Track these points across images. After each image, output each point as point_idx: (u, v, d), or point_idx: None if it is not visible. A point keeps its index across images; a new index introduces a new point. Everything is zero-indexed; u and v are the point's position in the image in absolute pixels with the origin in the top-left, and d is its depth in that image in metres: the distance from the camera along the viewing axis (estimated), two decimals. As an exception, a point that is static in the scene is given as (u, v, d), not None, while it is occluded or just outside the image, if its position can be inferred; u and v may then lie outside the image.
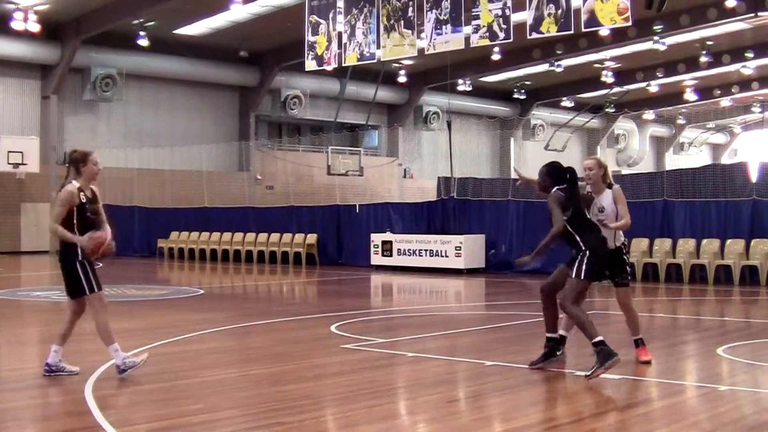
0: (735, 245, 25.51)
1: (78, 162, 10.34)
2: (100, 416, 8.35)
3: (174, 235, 39.62)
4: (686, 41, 39.79)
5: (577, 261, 10.85)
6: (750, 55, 41.91)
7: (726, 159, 66.60)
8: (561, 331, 11.39)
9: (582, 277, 10.80)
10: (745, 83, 50.80)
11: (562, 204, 10.80)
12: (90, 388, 9.56)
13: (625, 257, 11.47)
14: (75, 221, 10.20)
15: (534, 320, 16.49)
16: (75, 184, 10.20)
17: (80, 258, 10.17)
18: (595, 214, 11.30)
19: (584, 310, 11.03)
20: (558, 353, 11.20)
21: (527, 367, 10.95)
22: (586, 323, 10.59)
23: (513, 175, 11.53)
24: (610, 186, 11.56)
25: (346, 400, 9.39)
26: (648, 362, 11.30)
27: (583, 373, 10.38)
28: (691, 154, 67.71)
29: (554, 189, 10.99)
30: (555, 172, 11.21)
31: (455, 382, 10.80)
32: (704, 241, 26.09)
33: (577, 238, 10.86)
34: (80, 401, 9.03)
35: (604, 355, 10.27)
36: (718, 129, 68.06)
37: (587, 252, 10.74)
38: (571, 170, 11.19)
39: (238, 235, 37.72)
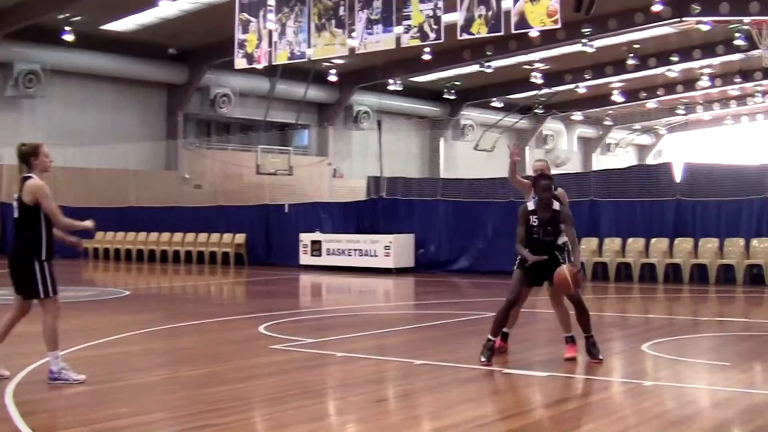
0: (659, 244, 25.96)
1: (29, 155, 10.03)
2: (21, 422, 8.16)
3: (100, 235, 39.13)
4: (614, 44, 40.08)
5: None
6: (675, 58, 42.39)
7: (651, 160, 67.26)
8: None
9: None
10: (670, 86, 51.42)
11: None
12: (11, 393, 9.35)
13: (563, 256, 11.65)
14: (42, 217, 9.98)
15: (462, 319, 16.58)
16: (37, 178, 9.94)
17: (42, 259, 9.99)
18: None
19: None
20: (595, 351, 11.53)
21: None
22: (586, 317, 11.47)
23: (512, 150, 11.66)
24: (555, 188, 11.90)
25: (275, 401, 9.34)
26: (573, 359, 11.48)
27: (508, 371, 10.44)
28: (618, 154, 68.37)
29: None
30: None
31: (384, 382, 10.81)
32: (630, 240, 26.47)
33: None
34: None
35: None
36: (643, 130, 68.75)
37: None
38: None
39: (166, 235, 37.46)
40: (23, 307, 10.20)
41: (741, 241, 24.96)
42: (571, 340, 11.64)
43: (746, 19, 32.95)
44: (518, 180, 12.11)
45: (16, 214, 9.99)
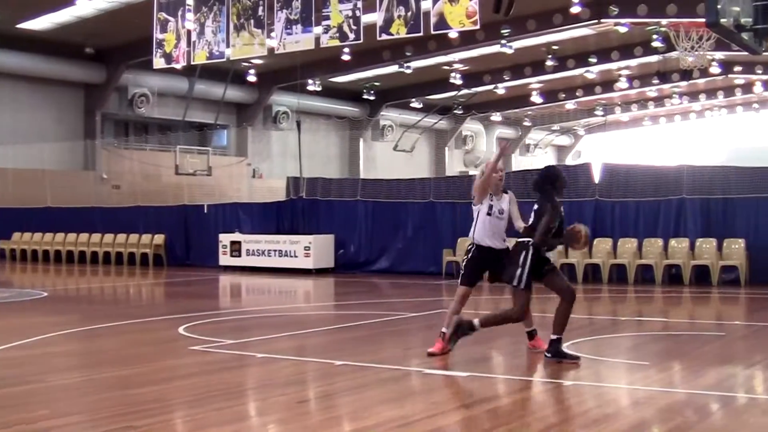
0: (578, 245, 26.07)
1: None
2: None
3: (16, 236, 38.76)
4: (532, 45, 40.34)
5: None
6: (593, 60, 42.74)
7: (570, 160, 67.85)
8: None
9: None
10: (588, 87, 51.87)
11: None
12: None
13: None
14: None
15: (382, 319, 16.63)
16: None
17: None
18: (495, 215, 11.96)
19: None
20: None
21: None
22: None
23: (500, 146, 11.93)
24: (505, 191, 12.19)
25: (195, 402, 9.31)
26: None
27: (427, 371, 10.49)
28: (537, 155, 68.79)
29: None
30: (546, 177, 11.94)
31: (305, 383, 10.80)
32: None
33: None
34: None
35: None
36: (562, 131, 69.32)
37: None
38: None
39: (84, 236, 37.08)
40: None
41: (659, 241, 25.22)
42: (536, 333, 12.31)
43: (664, 21, 33.32)
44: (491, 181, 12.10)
45: None
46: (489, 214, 11.96)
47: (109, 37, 39.85)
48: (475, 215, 12.12)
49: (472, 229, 12.14)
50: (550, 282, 11.82)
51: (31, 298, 21.62)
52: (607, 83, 50.10)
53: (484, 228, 12.00)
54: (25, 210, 39.05)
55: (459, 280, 12.31)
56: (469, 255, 12.15)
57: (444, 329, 11.91)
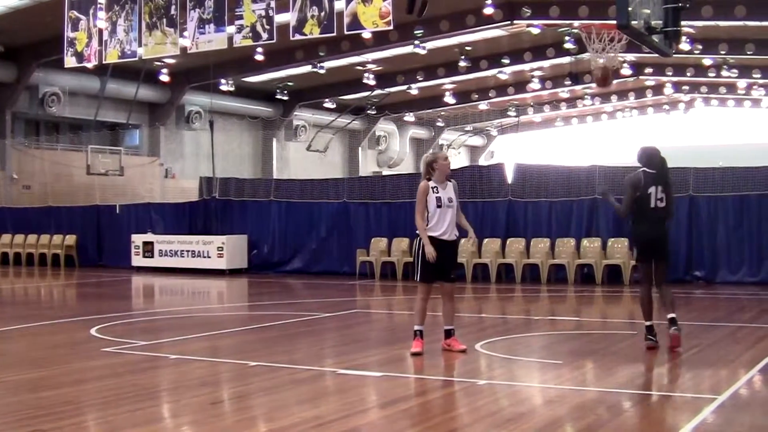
0: (492, 244, 26.28)
1: None
2: None
3: (-76, 236, 38.21)
4: (446, 46, 40.50)
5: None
6: (506, 61, 42.99)
7: (483, 161, 68.12)
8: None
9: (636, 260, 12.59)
10: (501, 88, 52.18)
11: (635, 186, 12.30)
12: None
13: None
14: None
15: (296, 320, 16.63)
16: None
17: None
18: (446, 204, 12.11)
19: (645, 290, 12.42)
20: (653, 340, 12.35)
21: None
22: (643, 305, 12.38)
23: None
24: (449, 179, 12.34)
25: (107, 404, 9.24)
26: (464, 351, 12.06)
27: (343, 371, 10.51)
28: (450, 155, 68.97)
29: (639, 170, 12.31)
30: (645, 155, 12.47)
31: (219, 384, 10.77)
32: (462, 241, 26.65)
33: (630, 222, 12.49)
34: None
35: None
36: (475, 132, 69.59)
37: (632, 237, 12.28)
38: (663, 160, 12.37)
39: (-7, 236, 36.66)
40: None
41: (572, 241, 25.45)
42: (453, 333, 12.29)
43: (576, 23, 33.64)
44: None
45: None
46: (439, 206, 11.98)
47: (20, 35, 39.29)
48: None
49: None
50: None
51: (-62, 300, 21.33)
52: (520, 84, 50.46)
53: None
54: (-67, 210, 38.51)
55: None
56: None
57: (449, 327, 12.20)
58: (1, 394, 9.96)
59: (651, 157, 12.30)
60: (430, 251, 11.94)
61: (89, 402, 9.48)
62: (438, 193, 12.00)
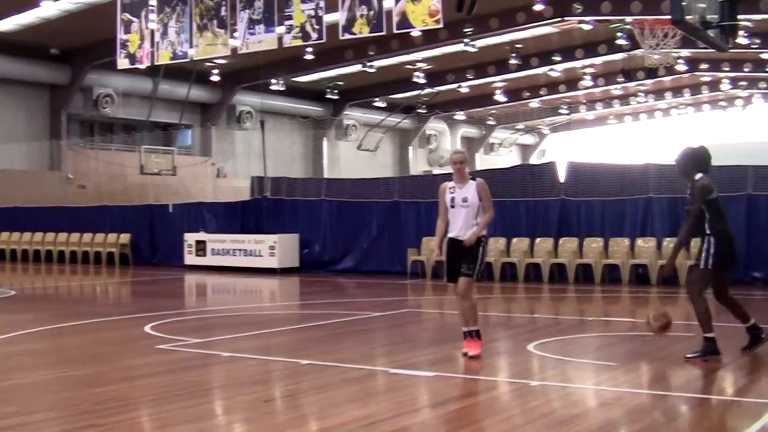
0: (544, 243, 26.02)
1: None
2: None
3: (-16, 235, 38.71)
4: (496, 44, 40.38)
5: (704, 250, 11.48)
6: (557, 58, 42.77)
7: (535, 159, 67.82)
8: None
9: (706, 266, 11.52)
10: (552, 85, 51.94)
11: (710, 190, 11.50)
12: None
13: (481, 249, 11.78)
14: None
15: (347, 319, 16.67)
16: None
17: None
18: (459, 204, 11.81)
19: (706, 300, 11.63)
20: (762, 335, 11.86)
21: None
22: (703, 316, 11.45)
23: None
24: (473, 178, 12.05)
25: (160, 401, 9.35)
26: (476, 357, 11.63)
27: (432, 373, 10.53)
28: (501, 154, 68.85)
29: (699, 175, 11.59)
30: (699, 158, 11.82)
31: (270, 382, 10.84)
32: (514, 240, 26.60)
33: (706, 225, 11.52)
34: None
35: (710, 349, 11.34)
36: (526, 130, 69.37)
37: (712, 239, 11.41)
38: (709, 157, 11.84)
39: (51, 235, 37.04)
40: None
41: (626, 241, 25.00)
42: (475, 335, 11.85)
43: (628, 19, 33.38)
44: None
45: None
46: (452, 206, 11.98)
47: (74, 38, 39.73)
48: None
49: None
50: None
51: (-3, 297, 21.60)
52: (572, 81, 50.25)
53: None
54: (-7, 210, 39.02)
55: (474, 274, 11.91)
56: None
57: (468, 328, 11.89)
58: (59, 389, 10.09)
59: (706, 159, 11.95)
60: (436, 252, 11.94)
61: (143, 398, 9.58)
62: (453, 193, 11.92)
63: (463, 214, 11.82)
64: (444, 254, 11.97)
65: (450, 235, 11.94)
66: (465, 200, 11.78)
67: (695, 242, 11.93)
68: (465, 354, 11.73)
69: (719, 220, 11.60)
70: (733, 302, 11.95)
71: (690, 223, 11.63)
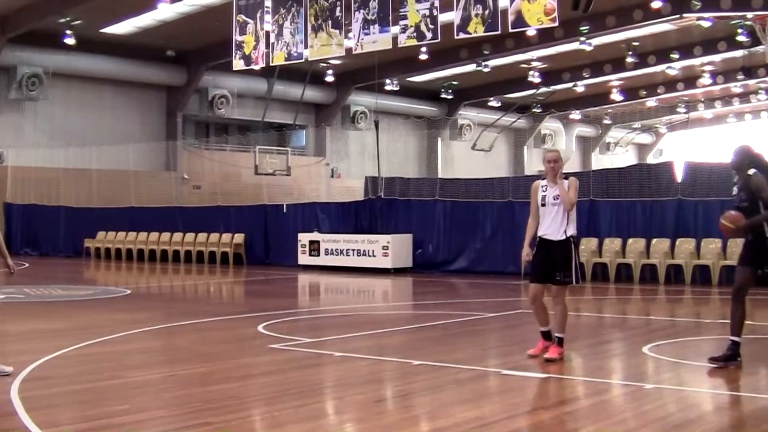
0: (660, 244, 25.71)
1: None
2: (26, 417, 8.25)
3: (101, 235, 39.29)
4: (612, 42, 40.04)
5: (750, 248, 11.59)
6: (675, 56, 42.20)
7: (651, 159, 67.01)
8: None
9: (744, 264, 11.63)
10: (670, 84, 51.24)
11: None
12: (16, 389, 9.46)
13: (573, 251, 11.64)
14: None
15: (460, 319, 16.61)
16: None
17: None
18: (550, 202, 11.73)
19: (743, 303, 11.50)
20: (739, 358, 11.18)
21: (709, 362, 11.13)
22: (736, 318, 11.28)
23: None
24: (566, 177, 11.93)
25: (273, 399, 9.39)
26: (551, 360, 11.42)
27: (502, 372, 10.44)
28: (617, 153, 68.19)
29: (752, 171, 11.35)
30: (751, 154, 11.64)
31: (382, 382, 10.83)
32: (630, 241, 26.31)
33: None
34: (6, 402, 8.92)
35: (732, 355, 10.98)
36: (643, 129, 68.52)
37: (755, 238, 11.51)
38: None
39: (165, 235, 37.52)
40: None
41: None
42: (559, 342, 11.66)
43: (749, 15, 32.81)
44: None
45: None
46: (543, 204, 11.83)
47: (190, 39, 40.32)
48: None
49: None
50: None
51: (114, 295, 21.92)
52: (690, 79, 49.51)
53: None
54: (109, 210, 39.63)
55: (573, 279, 11.84)
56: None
57: (558, 334, 11.74)
58: (173, 387, 10.20)
59: (759, 157, 11.55)
60: (525, 251, 11.79)
61: (255, 397, 9.63)
62: (545, 191, 11.79)
63: (551, 213, 11.71)
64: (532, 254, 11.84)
65: (539, 233, 11.83)
66: (556, 198, 11.64)
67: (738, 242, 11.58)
68: (530, 356, 11.71)
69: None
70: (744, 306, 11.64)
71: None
